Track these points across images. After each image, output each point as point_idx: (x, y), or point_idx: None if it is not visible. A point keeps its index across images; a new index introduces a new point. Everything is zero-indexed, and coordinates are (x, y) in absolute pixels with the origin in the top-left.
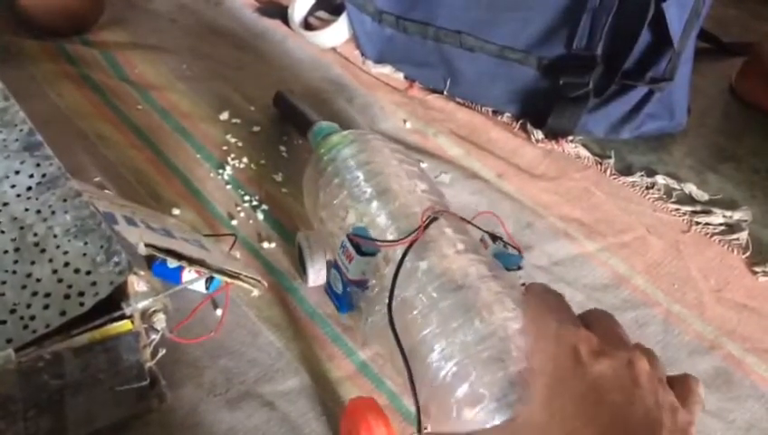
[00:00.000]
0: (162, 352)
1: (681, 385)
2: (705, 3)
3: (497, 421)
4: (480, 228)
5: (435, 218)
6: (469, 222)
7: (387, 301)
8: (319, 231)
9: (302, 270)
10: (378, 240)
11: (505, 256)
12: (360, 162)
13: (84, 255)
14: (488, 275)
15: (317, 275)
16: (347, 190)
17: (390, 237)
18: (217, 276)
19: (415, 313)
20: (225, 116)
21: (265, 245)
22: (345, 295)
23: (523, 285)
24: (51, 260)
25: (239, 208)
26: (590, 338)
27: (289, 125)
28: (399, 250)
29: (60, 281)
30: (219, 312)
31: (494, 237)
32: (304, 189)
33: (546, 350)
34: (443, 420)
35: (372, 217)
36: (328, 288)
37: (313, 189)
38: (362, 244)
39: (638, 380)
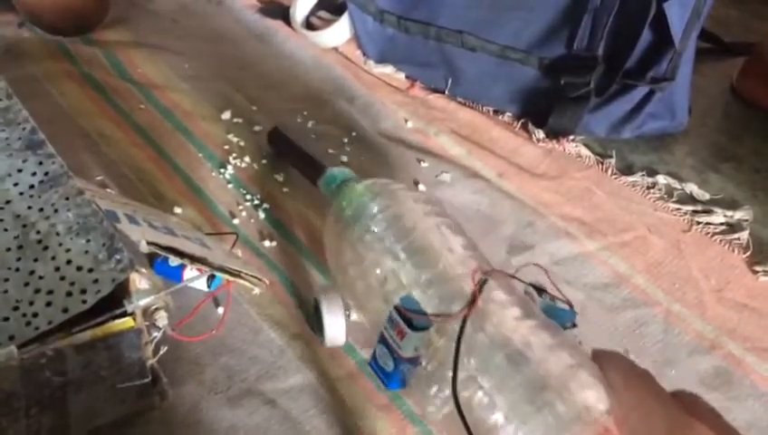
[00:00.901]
0: (164, 349)
1: None
2: (706, 3)
3: None
4: (524, 281)
5: (486, 281)
6: (514, 277)
7: (448, 381)
8: (343, 287)
9: (317, 328)
10: (432, 314)
11: (557, 312)
12: (390, 219)
13: (86, 252)
14: (554, 343)
15: (336, 336)
16: (380, 251)
17: (436, 304)
18: (219, 274)
19: (481, 394)
20: (226, 115)
21: (266, 243)
22: (396, 374)
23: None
24: (53, 258)
25: (240, 207)
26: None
27: (286, 163)
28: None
29: (62, 278)
30: (221, 310)
31: (540, 290)
32: (325, 242)
33: None
34: None
35: (414, 281)
36: (373, 365)
37: (336, 244)
38: (414, 318)
39: None
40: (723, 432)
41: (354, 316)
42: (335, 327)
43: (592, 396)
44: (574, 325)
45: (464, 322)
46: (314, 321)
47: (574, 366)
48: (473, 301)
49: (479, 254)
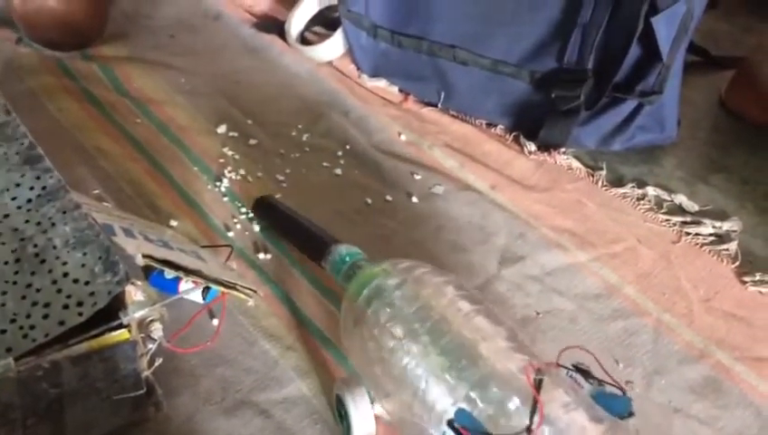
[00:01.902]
0: (159, 361)
1: None
2: (693, 18)
3: None
4: (569, 368)
5: (541, 380)
6: (560, 365)
7: None
8: (365, 378)
9: (342, 424)
10: (492, 434)
11: (610, 400)
12: (420, 312)
13: (83, 265)
14: None
15: (365, 432)
16: (414, 351)
17: (486, 407)
18: (214, 286)
19: None
20: (222, 129)
21: (261, 256)
22: None
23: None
24: (50, 271)
25: (236, 220)
26: None
27: (275, 235)
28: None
29: (59, 291)
30: (216, 322)
31: (585, 374)
32: (342, 330)
33: None
34: None
35: (458, 384)
36: None
37: (357, 335)
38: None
39: None
40: None
41: (378, 409)
42: (364, 423)
43: None
44: (632, 414)
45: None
46: (338, 417)
47: None
48: (534, 409)
49: (522, 343)
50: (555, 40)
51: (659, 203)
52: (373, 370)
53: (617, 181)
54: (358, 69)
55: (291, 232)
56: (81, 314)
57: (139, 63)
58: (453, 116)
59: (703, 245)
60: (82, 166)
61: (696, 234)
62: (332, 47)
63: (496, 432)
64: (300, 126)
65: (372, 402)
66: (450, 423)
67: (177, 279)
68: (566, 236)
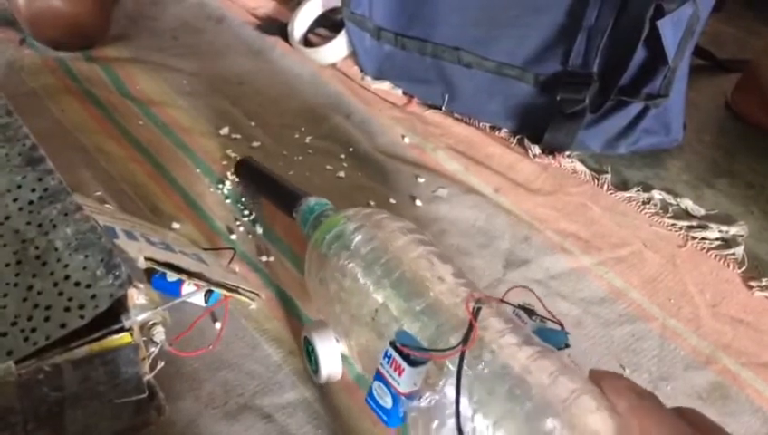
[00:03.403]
0: (161, 364)
1: None
2: (699, 20)
3: None
4: (512, 304)
5: (480, 308)
6: (503, 301)
7: (450, 416)
8: (329, 321)
9: (311, 365)
10: (430, 350)
11: (549, 334)
12: (376, 250)
13: (85, 268)
14: (553, 369)
15: (333, 372)
16: (368, 284)
17: (431, 335)
18: (216, 290)
19: (485, 426)
20: (225, 131)
21: (264, 258)
22: (395, 410)
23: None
24: (52, 273)
25: (238, 223)
26: None
27: (257, 196)
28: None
29: (60, 294)
30: (218, 325)
31: (529, 312)
32: (307, 277)
33: None
34: None
35: (406, 313)
36: (371, 400)
37: (318, 279)
38: (412, 354)
39: None
40: None
41: (343, 349)
42: (331, 362)
43: (597, 421)
44: (567, 346)
45: (462, 354)
46: (308, 359)
47: (576, 391)
48: (469, 332)
49: (469, 281)
50: (560, 42)
51: (665, 207)
52: (334, 310)
53: (622, 185)
54: (361, 71)
55: (268, 189)
56: (82, 317)
57: (142, 65)
58: (457, 119)
59: (709, 249)
60: (84, 167)
61: (703, 238)
62: (336, 49)
63: (435, 353)
64: (303, 128)
65: (337, 342)
66: (392, 343)
67: (180, 282)
68: (571, 239)
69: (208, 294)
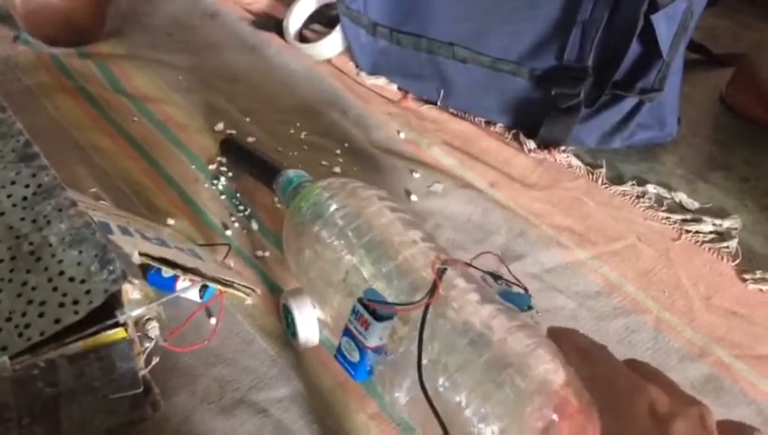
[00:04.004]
0: (156, 360)
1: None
2: (693, 15)
3: None
4: (480, 269)
5: (445, 269)
6: (471, 265)
7: (413, 367)
8: (306, 288)
9: (290, 331)
10: (395, 304)
11: (514, 297)
12: (349, 216)
13: (79, 263)
14: (512, 325)
15: (310, 337)
16: (341, 247)
17: (399, 295)
18: (211, 285)
19: (445, 377)
20: (220, 127)
21: (259, 253)
22: (363, 364)
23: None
24: (46, 269)
25: (233, 219)
26: (661, 395)
27: (243, 172)
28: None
29: (55, 289)
30: (213, 320)
31: (496, 277)
32: (285, 247)
33: (618, 411)
34: None
35: (376, 274)
36: (339, 356)
37: (296, 245)
38: (378, 309)
39: None
40: (672, 392)
41: (319, 314)
42: (308, 327)
43: (550, 370)
44: (530, 308)
45: (426, 309)
46: (286, 326)
47: (531, 344)
48: (434, 289)
49: (438, 245)
50: (555, 37)
51: (659, 201)
52: (310, 276)
53: (617, 179)
54: (356, 67)
55: (251, 164)
56: (77, 313)
57: (137, 61)
58: (452, 114)
59: (703, 242)
60: (79, 164)
61: (697, 232)
62: (331, 45)
63: (399, 306)
64: (298, 124)
65: (314, 308)
66: (360, 300)
67: (175, 278)
68: (566, 234)
69: (203, 289)
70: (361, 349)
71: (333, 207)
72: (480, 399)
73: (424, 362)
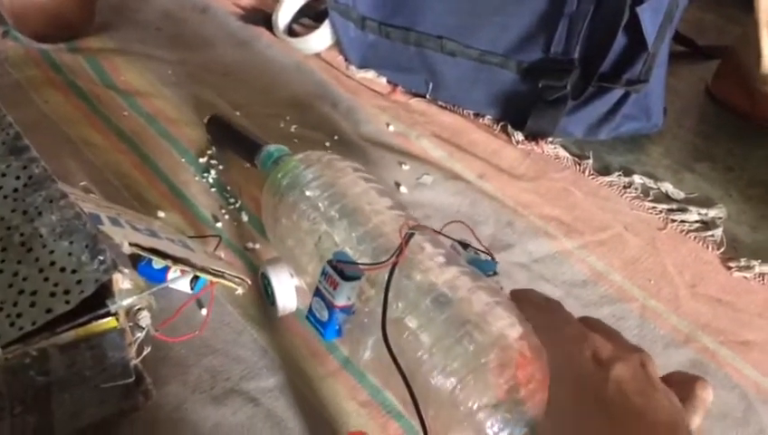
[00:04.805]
0: (147, 350)
1: (683, 387)
2: (678, 7)
3: (517, 432)
4: (450, 237)
5: (412, 234)
6: (440, 233)
7: (379, 325)
8: (284, 257)
9: (269, 299)
10: (361, 263)
11: (480, 263)
12: (323, 185)
13: (70, 254)
14: (474, 285)
15: (287, 303)
16: (315, 216)
17: (368, 259)
18: (202, 275)
19: (408, 333)
20: (210, 116)
21: (249, 245)
22: (331, 322)
23: (502, 289)
24: (37, 259)
25: (224, 211)
26: (604, 342)
27: (228, 151)
28: (383, 271)
29: (46, 280)
30: (205, 311)
31: (464, 245)
32: (263, 217)
33: (564, 357)
34: None
35: (347, 240)
36: (310, 316)
37: (273, 216)
38: (345, 269)
39: (654, 381)
40: (615, 341)
41: (296, 282)
42: (285, 294)
43: (507, 325)
44: (495, 273)
45: (392, 269)
46: (266, 294)
47: (491, 303)
48: (400, 250)
49: (408, 213)
50: (542, 30)
51: (646, 191)
52: (287, 245)
53: (604, 170)
54: (346, 60)
55: (235, 140)
56: (68, 302)
57: (127, 56)
58: (441, 107)
59: (688, 231)
60: (69, 158)
61: (682, 221)
62: (320, 39)
63: (365, 266)
64: (288, 117)
65: (292, 277)
66: (329, 261)
67: (166, 269)
68: (553, 224)
69: (194, 280)
70: (330, 308)
71: (309, 177)
72: (440, 353)
73: (389, 321)
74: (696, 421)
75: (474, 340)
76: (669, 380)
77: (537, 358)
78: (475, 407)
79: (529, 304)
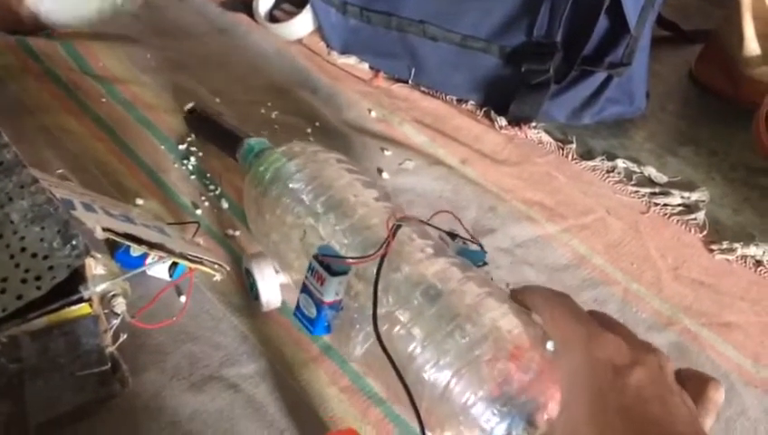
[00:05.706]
0: (124, 337)
1: (695, 387)
2: None
3: (515, 425)
4: (438, 228)
5: (399, 226)
6: (428, 223)
7: (369, 320)
8: (269, 252)
9: (253, 295)
10: (349, 257)
11: (469, 253)
12: (307, 178)
13: (41, 240)
14: (464, 277)
15: (271, 299)
16: (299, 209)
17: (355, 253)
18: (180, 261)
19: (399, 327)
20: (189, 107)
21: (230, 232)
22: (320, 319)
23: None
24: (8, 245)
25: (203, 198)
26: (621, 344)
27: (207, 142)
28: (371, 264)
29: (17, 266)
30: (183, 299)
31: (452, 235)
32: (246, 212)
33: (578, 361)
34: (449, 431)
35: (333, 233)
36: (298, 313)
37: (256, 210)
38: (332, 263)
39: (672, 386)
40: (630, 341)
41: (282, 278)
42: (269, 289)
43: (499, 316)
44: (485, 263)
45: (381, 261)
46: (249, 290)
47: (482, 294)
48: (387, 243)
49: (394, 205)
50: (524, 14)
51: (629, 175)
52: (272, 239)
53: (587, 154)
54: (327, 46)
55: (215, 133)
56: (39, 289)
57: (105, 42)
58: (423, 92)
59: (671, 215)
60: (47, 146)
61: (665, 204)
62: (301, 24)
63: (352, 260)
64: (269, 104)
65: (277, 272)
66: (315, 256)
67: (144, 257)
68: (536, 208)
69: (173, 267)
70: (318, 305)
71: (292, 169)
72: (432, 347)
73: (379, 315)
74: (708, 423)
75: (466, 332)
76: (682, 377)
77: (535, 348)
78: (470, 401)
79: (535, 295)
